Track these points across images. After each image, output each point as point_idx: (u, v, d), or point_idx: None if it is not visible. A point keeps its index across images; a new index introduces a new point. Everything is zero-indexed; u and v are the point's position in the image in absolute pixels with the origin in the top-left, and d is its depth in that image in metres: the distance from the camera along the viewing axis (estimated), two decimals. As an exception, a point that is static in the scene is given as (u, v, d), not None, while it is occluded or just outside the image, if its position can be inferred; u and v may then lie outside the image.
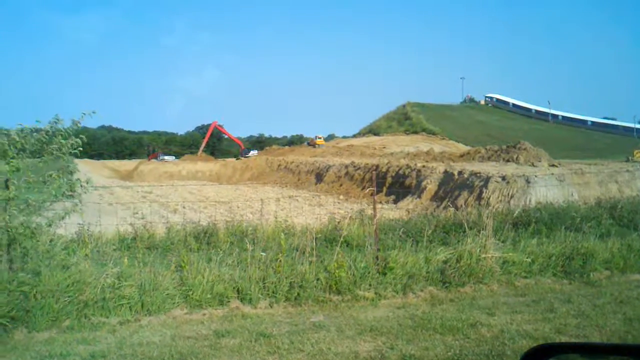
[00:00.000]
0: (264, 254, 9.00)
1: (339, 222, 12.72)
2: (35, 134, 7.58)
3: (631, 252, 10.29)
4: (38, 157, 7.65)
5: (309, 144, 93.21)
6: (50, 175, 7.64)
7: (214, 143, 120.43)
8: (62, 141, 7.66)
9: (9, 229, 7.26)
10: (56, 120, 7.73)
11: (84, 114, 7.93)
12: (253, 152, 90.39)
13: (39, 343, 6.58)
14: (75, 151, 7.83)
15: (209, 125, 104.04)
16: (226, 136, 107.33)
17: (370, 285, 8.76)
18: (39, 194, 7.60)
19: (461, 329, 6.85)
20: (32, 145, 7.50)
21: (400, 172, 39.10)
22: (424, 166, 37.66)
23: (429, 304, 8.27)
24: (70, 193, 7.85)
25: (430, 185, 33.65)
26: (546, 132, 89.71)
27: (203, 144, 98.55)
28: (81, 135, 7.88)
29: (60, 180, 7.67)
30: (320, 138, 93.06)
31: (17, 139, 7.41)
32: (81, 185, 8.12)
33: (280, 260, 8.66)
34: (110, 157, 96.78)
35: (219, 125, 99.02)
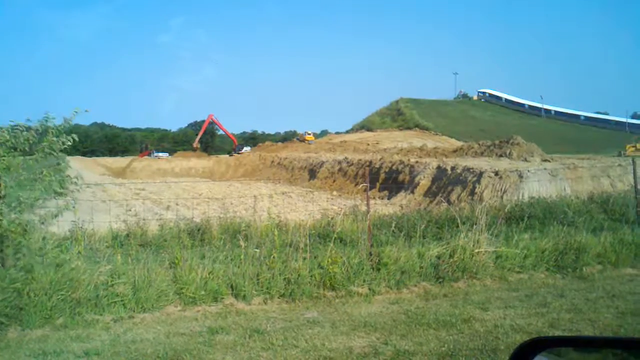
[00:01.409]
0: (257, 250, 9.00)
1: (332, 218, 12.73)
2: (25, 132, 7.53)
3: (623, 246, 10.35)
4: (29, 155, 7.61)
5: (298, 140, 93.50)
6: (42, 173, 7.60)
7: (207, 139, 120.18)
8: (54, 139, 7.61)
9: (1, 226, 7.23)
10: (46, 119, 7.68)
11: (76, 111, 7.88)
12: (246, 149, 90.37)
13: (32, 341, 6.56)
14: (65, 147, 7.77)
15: (202, 121, 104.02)
16: (221, 131, 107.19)
17: (364, 281, 8.77)
18: (30, 192, 7.56)
19: (455, 324, 6.87)
20: (21, 144, 7.45)
21: (394, 167, 39.15)
22: (417, 162, 37.73)
23: (423, 299, 8.29)
24: (60, 190, 7.82)
25: (424, 181, 33.73)
26: (539, 127, 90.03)
27: (199, 135, 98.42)
28: (73, 134, 7.83)
29: (51, 177, 7.63)
30: (309, 134, 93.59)
31: (8, 137, 7.37)
32: (75, 182, 8.09)
33: (274, 257, 8.67)
34: (103, 154, 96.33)
35: (215, 119, 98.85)
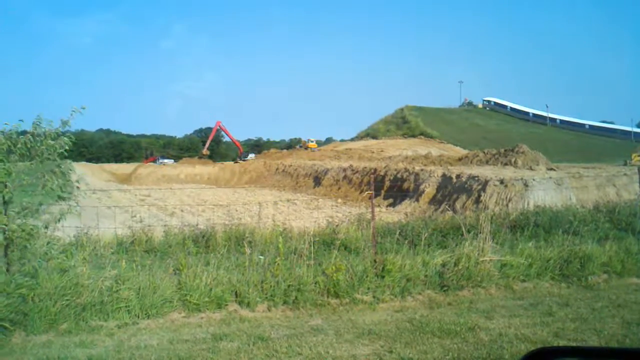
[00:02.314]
0: (262, 257, 9.00)
1: (337, 226, 12.73)
2: (22, 136, 7.46)
3: (629, 256, 10.30)
4: (29, 160, 7.57)
5: (301, 147, 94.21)
6: (43, 177, 7.58)
7: (212, 146, 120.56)
8: (50, 142, 7.53)
9: (6, 232, 7.24)
10: (39, 121, 7.57)
11: (74, 111, 7.66)
12: (251, 156, 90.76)
13: (36, 346, 6.56)
14: (62, 151, 7.65)
15: (207, 128, 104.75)
16: (226, 138, 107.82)
17: (368, 288, 8.75)
18: (32, 197, 7.56)
19: (459, 333, 6.85)
20: (19, 148, 7.38)
21: (399, 175, 39.16)
22: (422, 170, 37.72)
23: (427, 307, 8.27)
24: (63, 195, 7.77)
25: (429, 189, 33.70)
26: (544, 135, 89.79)
27: (208, 141, 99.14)
28: (69, 134, 7.71)
29: (52, 182, 7.58)
30: (312, 141, 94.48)
31: (3, 140, 7.31)
32: (77, 186, 8.07)
33: (278, 264, 8.65)
34: (109, 161, 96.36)
35: (222, 126, 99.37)
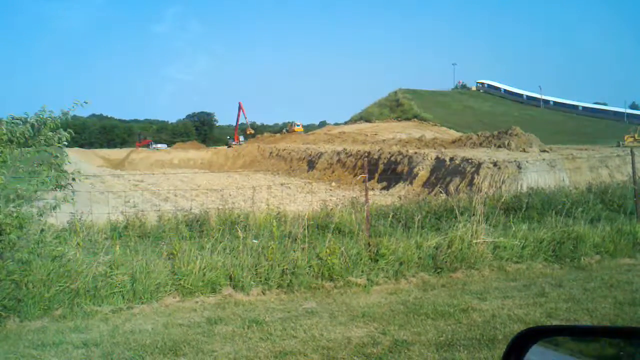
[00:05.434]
0: (256, 241, 9.00)
1: (331, 209, 12.73)
2: (21, 126, 7.44)
3: (621, 237, 10.35)
4: (27, 148, 7.54)
5: (287, 131, 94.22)
6: (41, 165, 7.55)
7: (205, 131, 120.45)
8: (49, 133, 7.52)
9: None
10: (42, 112, 7.57)
11: (76, 103, 7.72)
12: (241, 140, 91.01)
13: (31, 332, 6.57)
14: (62, 144, 7.66)
15: (200, 112, 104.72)
16: (219, 122, 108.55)
17: (362, 271, 8.78)
18: (28, 185, 7.53)
19: (453, 314, 6.88)
20: (18, 137, 7.36)
21: (392, 158, 39.16)
22: (415, 153, 37.73)
23: (421, 289, 8.30)
24: (57, 184, 7.74)
25: (422, 172, 33.75)
26: (537, 117, 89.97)
27: (246, 121, 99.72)
28: (69, 130, 7.73)
29: (48, 172, 7.56)
30: (298, 125, 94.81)
31: (5, 131, 7.29)
32: (73, 179, 8.03)
33: (272, 248, 8.66)
34: (101, 146, 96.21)
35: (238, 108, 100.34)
